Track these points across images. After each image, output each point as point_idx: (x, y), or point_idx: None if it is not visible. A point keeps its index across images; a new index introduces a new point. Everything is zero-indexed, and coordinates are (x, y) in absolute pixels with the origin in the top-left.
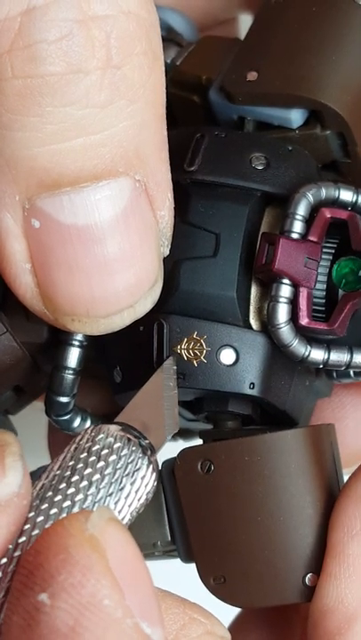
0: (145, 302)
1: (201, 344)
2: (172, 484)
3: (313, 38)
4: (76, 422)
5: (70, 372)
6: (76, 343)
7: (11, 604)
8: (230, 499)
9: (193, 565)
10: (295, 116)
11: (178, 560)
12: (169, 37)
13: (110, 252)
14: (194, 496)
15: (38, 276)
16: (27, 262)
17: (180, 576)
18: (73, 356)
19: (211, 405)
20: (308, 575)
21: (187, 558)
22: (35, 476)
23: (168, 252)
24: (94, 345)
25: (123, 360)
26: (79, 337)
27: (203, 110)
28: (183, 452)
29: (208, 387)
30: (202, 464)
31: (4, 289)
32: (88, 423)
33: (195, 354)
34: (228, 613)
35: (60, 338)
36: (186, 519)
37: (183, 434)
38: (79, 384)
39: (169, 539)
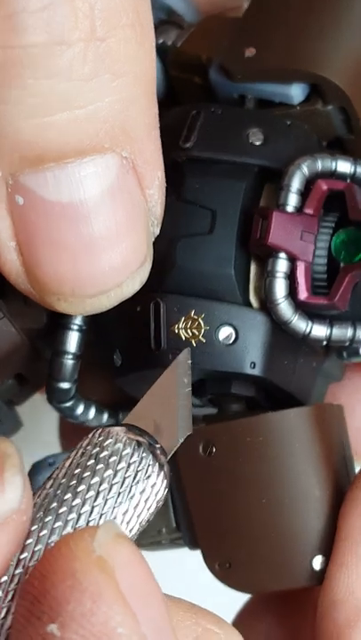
0: (133, 282)
1: (199, 323)
2: (175, 470)
3: (311, 12)
4: (80, 409)
5: (70, 356)
6: (75, 327)
7: (18, 632)
8: (233, 481)
9: (199, 553)
10: (296, 92)
11: (185, 549)
12: (170, 20)
13: (96, 230)
14: (196, 479)
15: (23, 255)
16: (11, 240)
17: (186, 565)
18: (72, 341)
19: (214, 387)
20: (316, 557)
21: (192, 545)
22: (42, 465)
23: (158, 232)
24: (94, 329)
25: (121, 343)
26: (78, 321)
27: (204, 91)
28: None
29: (208, 367)
30: (203, 446)
31: (1, 274)
32: (92, 411)
33: (193, 333)
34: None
35: (58, 322)
36: (189, 503)
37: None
38: (85, 374)
39: (174, 525)
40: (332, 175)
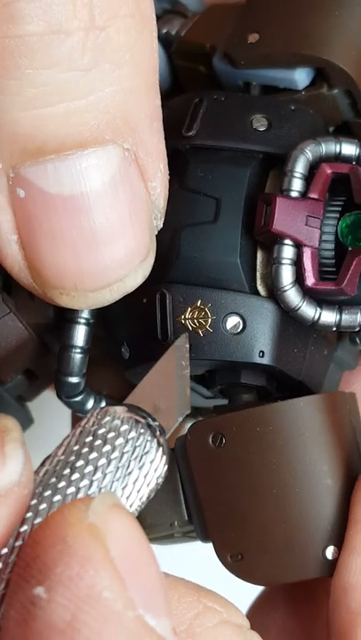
0: (135, 276)
1: (205, 313)
2: (185, 461)
3: None
4: (90, 404)
5: (78, 350)
6: (83, 321)
7: (9, 597)
8: (244, 471)
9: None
10: (300, 77)
11: (198, 542)
12: (174, 9)
13: (97, 224)
14: (206, 471)
15: (25, 248)
16: (13, 233)
17: (199, 558)
18: (80, 335)
19: (223, 378)
20: (329, 548)
21: (205, 537)
22: None
23: (161, 226)
24: (101, 322)
25: (129, 335)
26: (85, 314)
27: (210, 80)
28: (193, 426)
29: (216, 357)
30: (213, 437)
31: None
32: (103, 405)
33: (200, 323)
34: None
35: (65, 316)
36: (200, 495)
37: (204, 413)
38: (95, 368)
39: (186, 518)
40: (337, 158)
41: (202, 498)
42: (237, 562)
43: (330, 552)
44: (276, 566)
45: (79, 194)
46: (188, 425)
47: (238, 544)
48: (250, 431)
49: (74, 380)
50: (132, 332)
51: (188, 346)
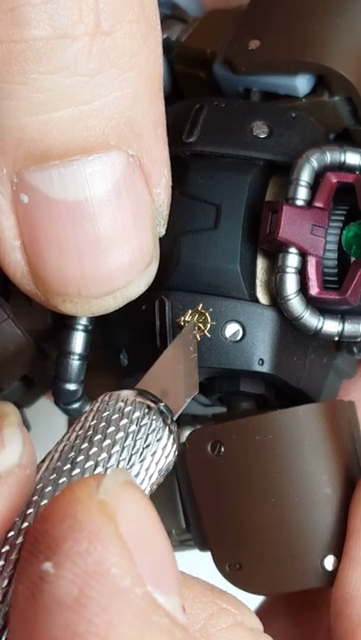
0: (139, 283)
1: (205, 317)
2: (184, 469)
3: (316, 2)
4: None
5: (76, 357)
6: (81, 327)
7: (18, 573)
8: (242, 480)
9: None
10: (301, 84)
11: (195, 551)
12: (174, 15)
13: (102, 230)
14: (205, 479)
15: (28, 254)
16: (16, 239)
17: (197, 567)
18: (78, 341)
19: (222, 386)
20: (328, 557)
21: (202, 546)
22: None
23: (164, 232)
24: (100, 329)
25: (128, 342)
26: (84, 321)
27: (210, 86)
28: (192, 434)
29: (215, 365)
30: (212, 445)
31: (6, 275)
32: None
33: (198, 327)
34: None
35: (64, 322)
36: (198, 504)
37: (203, 421)
38: (93, 375)
39: (184, 526)
40: (341, 167)
41: (200, 506)
42: (236, 571)
43: (329, 562)
44: (275, 576)
45: (83, 200)
46: (187, 433)
47: (237, 553)
48: (249, 440)
49: (72, 386)
50: (130, 339)
51: (195, 332)
